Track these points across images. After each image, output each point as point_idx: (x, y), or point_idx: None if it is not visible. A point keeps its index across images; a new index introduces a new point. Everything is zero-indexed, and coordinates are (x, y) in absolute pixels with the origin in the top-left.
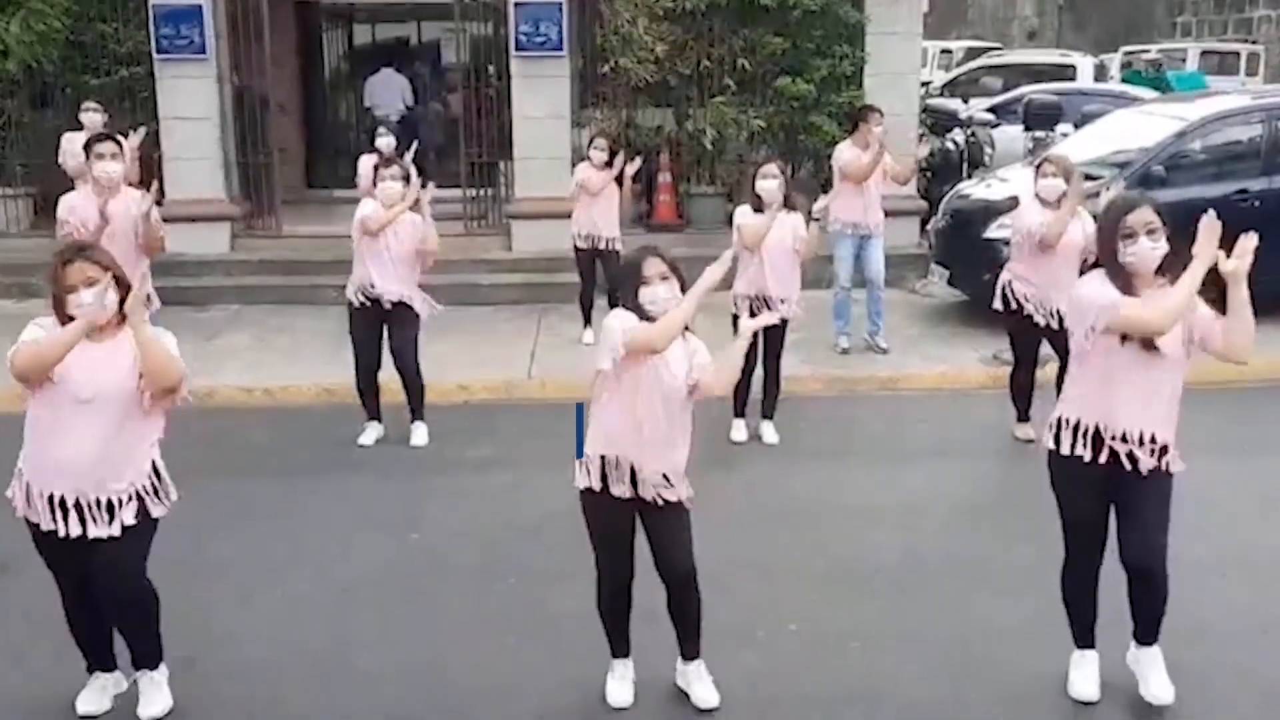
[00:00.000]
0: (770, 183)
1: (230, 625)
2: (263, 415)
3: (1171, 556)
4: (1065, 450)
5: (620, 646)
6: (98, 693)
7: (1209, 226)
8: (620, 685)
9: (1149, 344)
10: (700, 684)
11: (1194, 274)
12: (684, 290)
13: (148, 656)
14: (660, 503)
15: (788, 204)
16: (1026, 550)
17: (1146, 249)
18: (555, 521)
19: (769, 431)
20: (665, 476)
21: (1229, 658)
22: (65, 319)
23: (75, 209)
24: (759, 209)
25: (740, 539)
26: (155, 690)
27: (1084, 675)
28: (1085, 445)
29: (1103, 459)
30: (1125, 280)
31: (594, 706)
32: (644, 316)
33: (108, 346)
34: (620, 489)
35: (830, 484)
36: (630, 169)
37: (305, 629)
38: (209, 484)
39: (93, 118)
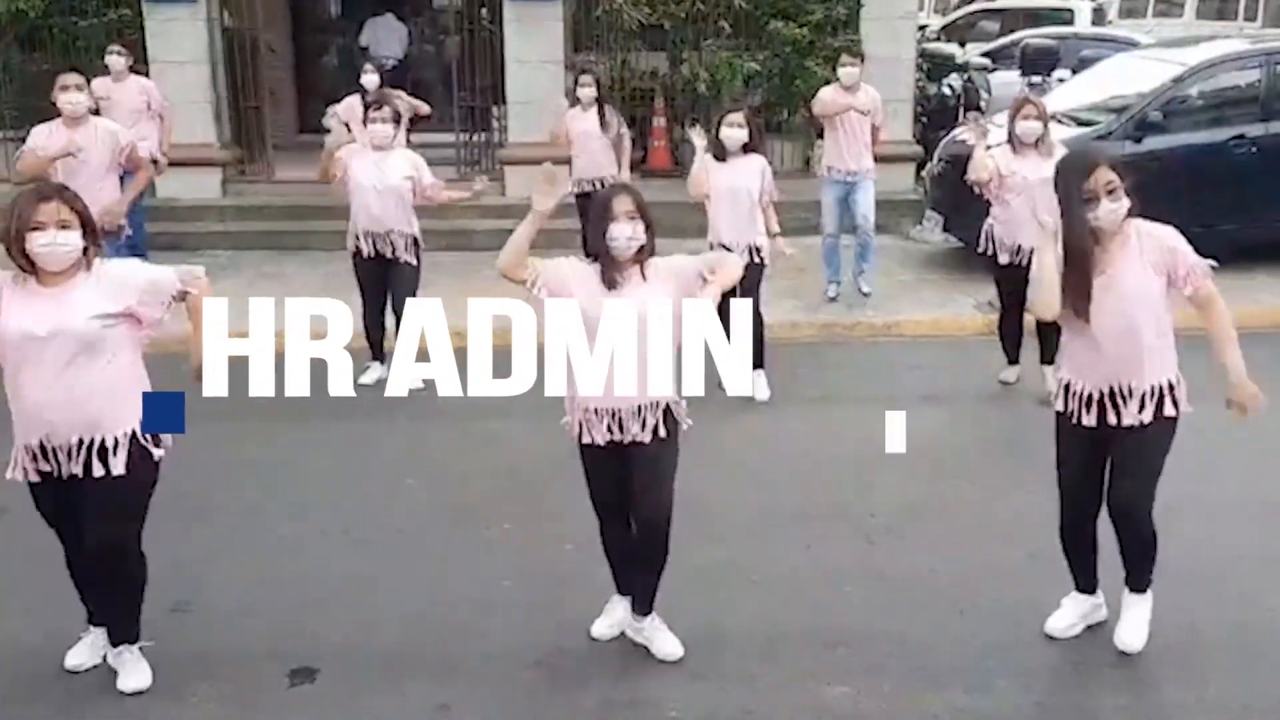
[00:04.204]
0: (734, 131)
1: (226, 569)
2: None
3: (1178, 501)
4: (1060, 408)
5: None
6: (89, 648)
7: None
8: (604, 621)
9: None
10: (661, 635)
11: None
12: (650, 231)
13: (128, 630)
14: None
15: (749, 149)
16: (1020, 494)
17: (1108, 211)
18: (551, 467)
19: (760, 385)
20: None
21: (1230, 599)
22: (23, 258)
23: (39, 138)
24: (721, 157)
25: (734, 484)
26: (136, 664)
27: (1062, 612)
28: (1076, 404)
29: (1089, 419)
30: (1094, 237)
31: (587, 647)
32: (609, 254)
33: (56, 290)
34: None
35: (824, 429)
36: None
37: (302, 570)
38: (205, 428)
39: (116, 61)
